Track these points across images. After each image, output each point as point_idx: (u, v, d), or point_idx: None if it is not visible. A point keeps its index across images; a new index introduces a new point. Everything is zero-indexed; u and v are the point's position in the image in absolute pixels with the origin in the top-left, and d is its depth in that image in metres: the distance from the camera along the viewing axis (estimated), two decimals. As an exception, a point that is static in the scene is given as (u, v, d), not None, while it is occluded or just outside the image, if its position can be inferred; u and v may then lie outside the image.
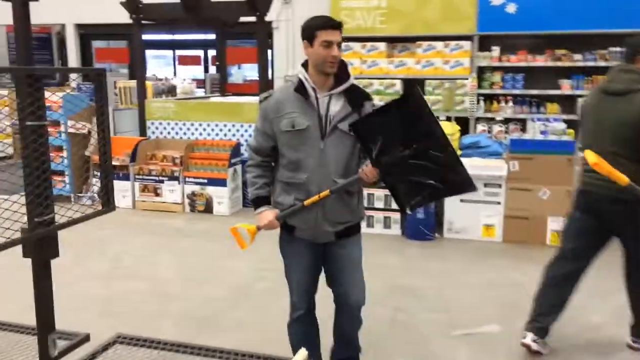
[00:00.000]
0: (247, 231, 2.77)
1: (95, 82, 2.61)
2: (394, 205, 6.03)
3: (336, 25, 2.68)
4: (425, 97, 2.67)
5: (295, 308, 2.93)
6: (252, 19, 7.36)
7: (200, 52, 14.10)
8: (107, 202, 2.67)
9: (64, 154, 7.26)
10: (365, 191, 6.05)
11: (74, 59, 13.52)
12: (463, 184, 2.57)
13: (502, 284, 4.75)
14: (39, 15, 11.64)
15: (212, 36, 10.41)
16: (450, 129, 6.89)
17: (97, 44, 14.80)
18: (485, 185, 5.79)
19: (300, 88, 2.70)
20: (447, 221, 5.99)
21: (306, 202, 2.66)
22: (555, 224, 5.63)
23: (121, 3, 7.63)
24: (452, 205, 5.93)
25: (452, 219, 5.97)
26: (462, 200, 5.88)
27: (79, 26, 13.34)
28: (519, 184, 5.73)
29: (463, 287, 4.68)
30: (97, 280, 4.79)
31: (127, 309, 4.22)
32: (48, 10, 12.59)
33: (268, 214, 2.73)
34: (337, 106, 2.70)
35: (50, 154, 7.04)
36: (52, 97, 7.32)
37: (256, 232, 2.78)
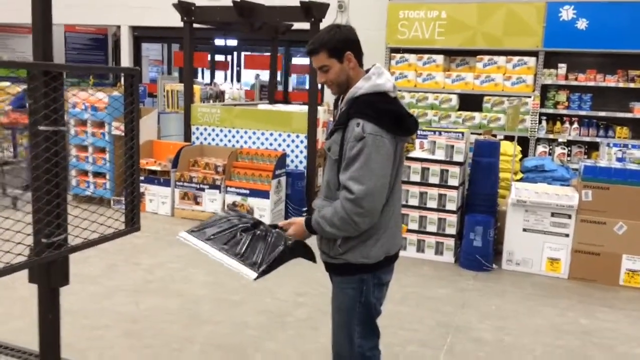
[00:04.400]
0: None
1: (125, 83, 2.29)
2: (448, 230, 5.57)
3: (308, 53, 2.43)
4: None
5: None
6: (306, 25, 7.02)
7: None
8: (131, 221, 2.33)
9: (107, 156, 7.08)
10: (417, 213, 5.60)
11: (126, 60, 13.54)
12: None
13: (569, 331, 4.20)
14: (95, 17, 11.71)
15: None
16: (511, 149, 6.36)
17: (176, 47, 14.82)
18: (553, 214, 5.24)
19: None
20: (506, 251, 5.46)
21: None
22: (631, 262, 5.04)
23: (174, 5, 7.43)
24: (513, 234, 5.40)
25: (512, 249, 5.44)
26: (525, 230, 5.35)
27: (134, 28, 13.37)
28: (591, 216, 5.16)
29: (525, 331, 4.15)
30: (127, 295, 4.49)
31: (152, 330, 3.89)
32: (105, 12, 12.73)
33: None
34: None
35: (93, 156, 6.84)
36: (98, 96, 7.17)
37: None
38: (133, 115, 2.30)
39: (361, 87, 2.34)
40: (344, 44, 2.36)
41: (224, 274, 5.02)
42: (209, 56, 14.16)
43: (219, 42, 13.79)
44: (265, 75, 11.41)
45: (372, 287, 2.46)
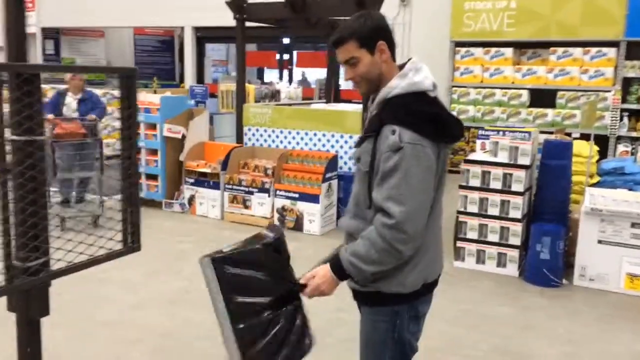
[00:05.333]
0: None
1: (121, 85, 2.03)
2: (512, 240, 5.06)
3: (333, 44, 2.02)
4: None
5: None
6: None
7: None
8: (129, 240, 2.07)
9: (159, 157, 7.00)
10: (477, 221, 5.12)
11: (189, 61, 13.65)
12: None
13: (653, 361, 3.63)
14: (161, 19, 11.78)
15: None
16: (586, 149, 5.74)
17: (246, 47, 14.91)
18: (633, 225, 4.62)
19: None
20: (578, 265, 4.88)
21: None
22: None
23: (226, 2, 7.27)
24: (587, 246, 4.82)
25: (585, 263, 4.85)
26: (600, 241, 4.76)
27: (196, 29, 13.44)
28: (679, 228, 4.51)
29: (598, 360, 3.63)
30: (163, 306, 4.31)
31: (183, 348, 3.67)
32: (169, 14, 12.85)
33: None
34: None
35: (146, 158, 6.76)
36: (150, 98, 7.12)
37: None
38: (131, 119, 2.04)
39: (395, 86, 1.96)
40: (376, 32, 1.98)
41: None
42: (278, 55, 14.06)
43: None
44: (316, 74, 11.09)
45: (407, 320, 2.08)
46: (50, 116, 6.34)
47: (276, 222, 6.22)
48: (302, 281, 2.02)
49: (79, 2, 13.49)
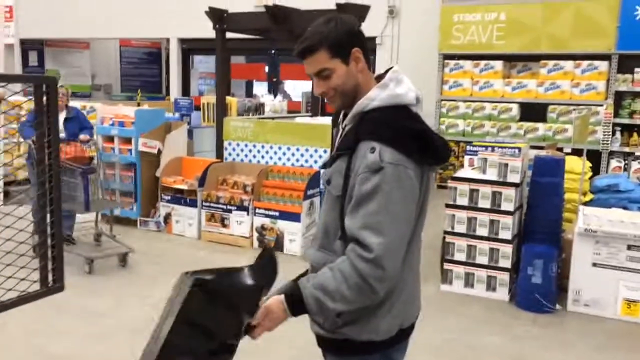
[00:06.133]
0: None
1: (35, 96, 1.74)
2: (502, 262, 4.78)
3: (300, 54, 1.73)
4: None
5: None
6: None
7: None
8: (48, 279, 1.76)
9: (134, 173, 6.69)
10: (465, 242, 4.84)
11: (175, 73, 13.38)
12: None
13: (654, 398, 3.35)
14: (146, 30, 11.50)
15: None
16: (579, 166, 5.49)
17: (234, 59, 14.67)
18: (630, 247, 4.36)
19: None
20: (572, 289, 4.60)
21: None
22: None
23: (206, 12, 7.01)
24: (581, 269, 4.54)
25: (580, 287, 4.57)
26: (595, 264, 4.48)
27: (182, 40, 13.19)
28: (679, 251, 4.25)
29: (595, 397, 3.34)
30: (125, 336, 3.98)
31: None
32: (155, 25, 12.59)
33: None
34: None
35: (120, 173, 6.40)
36: (124, 110, 6.83)
37: None
38: (51, 136, 1.74)
39: (374, 97, 1.69)
40: (349, 38, 1.70)
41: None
42: (266, 68, 13.80)
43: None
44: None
45: None
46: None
47: (260, 243, 5.92)
48: (253, 322, 1.70)
49: (62, 13, 13.21)
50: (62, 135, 5.60)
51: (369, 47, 1.78)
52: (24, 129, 5.50)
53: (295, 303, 1.67)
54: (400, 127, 1.64)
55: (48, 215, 1.80)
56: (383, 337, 1.72)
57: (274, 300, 1.70)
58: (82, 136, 5.70)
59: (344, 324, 1.71)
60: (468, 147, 5.27)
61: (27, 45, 15.21)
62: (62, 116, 5.62)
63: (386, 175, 1.58)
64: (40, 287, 1.77)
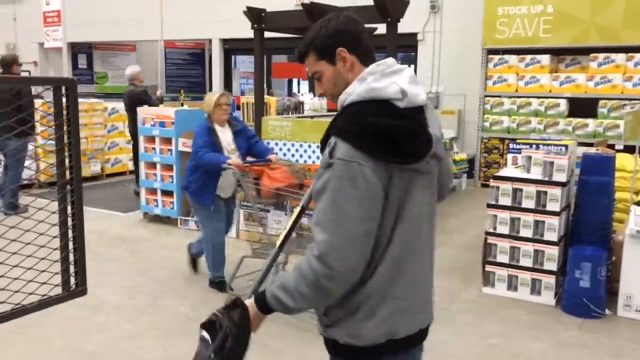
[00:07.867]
0: None
1: (55, 98, 1.72)
2: (547, 265, 4.58)
3: (298, 59, 1.81)
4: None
5: None
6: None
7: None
8: (71, 282, 1.75)
9: (174, 173, 6.76)
10: (508, 243, 4.66)
11: (217, 73, 13.53)
12: None
13: None
14: (189, 32, 11.63)
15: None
16: (631, 163, 5.21)
17: (276, 59, 14.73)
18: (686, 251, 4.10)
19: None
20: (623, 294, 4.36)
21: None
22: None
23: (244, 12, 7.02)
24: (633, 273, 4.30)
25: (631, 292, 4.33)
26: (647, 268, 4.24)
27: (224, 41, 13.31)
28: None
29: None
30: (158, 336, 4.00)
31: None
32: (198, 27, 12.75)
33: None
34: None
35: (161, 173, 6.43)
36: (164, 111, 6.90)
37: None
38: (70, 141, 1.72)
39: (351, 92, 1.66)
40: (333, 38, 1.70)
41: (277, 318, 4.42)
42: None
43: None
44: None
45: None
46: (235, 160, 4.36)
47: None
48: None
49: (108, 16, 13.55)
50: (234, 154, 4.63)
51: (367, 44, 1.75)
52: (203, 155, 4.49)
53: (261, 303, 1.69)
54: (368, 123, 1.58)
55: (69, 219, 1.79)
56: (366, 343, 1.67)
57: (248, 302, 1.73)
58: (272, 156, 4.75)
59: (332, 324, 1.70)
60: (511, 145, 5.08)
61: (76, 49, 15.70)
62: (227, 133, 4.69)
63: (335, 171, 1.56)
64: (62, 290, 1.75)
